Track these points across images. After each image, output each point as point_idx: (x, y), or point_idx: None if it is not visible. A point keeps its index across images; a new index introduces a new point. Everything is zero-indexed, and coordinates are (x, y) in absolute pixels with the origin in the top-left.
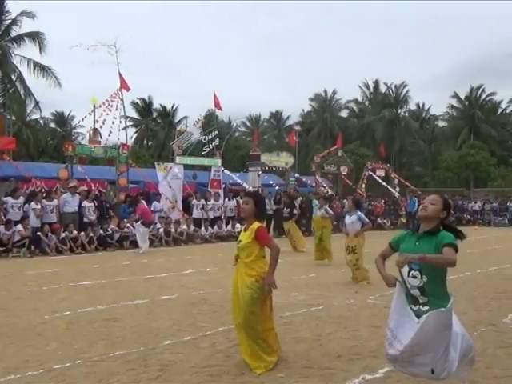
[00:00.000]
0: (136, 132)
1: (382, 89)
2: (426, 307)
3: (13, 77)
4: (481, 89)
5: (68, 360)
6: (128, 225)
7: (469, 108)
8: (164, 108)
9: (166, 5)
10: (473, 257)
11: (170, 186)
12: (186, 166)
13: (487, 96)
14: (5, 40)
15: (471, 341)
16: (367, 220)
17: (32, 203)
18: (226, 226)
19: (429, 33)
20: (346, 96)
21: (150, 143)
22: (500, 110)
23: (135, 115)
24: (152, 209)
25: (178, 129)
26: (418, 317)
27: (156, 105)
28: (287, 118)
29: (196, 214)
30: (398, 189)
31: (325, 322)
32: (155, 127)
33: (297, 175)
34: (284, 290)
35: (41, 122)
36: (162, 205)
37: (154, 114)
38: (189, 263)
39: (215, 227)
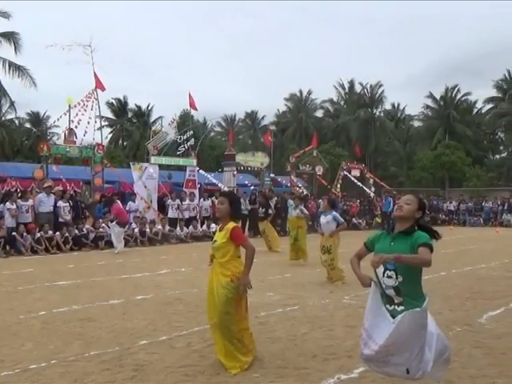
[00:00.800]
0: (111, 132)
1: (357, 89)
2: (402, 307)
3: None
4: (456, 89)
5: (43, 360)
6: (103, 225)
7: (444, 108)
8: (139, 108)
9: (141, 5)
10: (448, 257)
11: (145, 186)
12: (161, 166)
13: (462, 96)
14: None
15: (446, 341)
16: (342, 220)
17: (7, 203)
18: (201, 226)
19: (404, 33)
20: (321, 96)
21: (125, 143)
22: (475, 110)
23: (110, 115)
24: (127, 209)
25: (153, 129)
26: (393, 317)
27: (131, 105)
28: (262, 117)
29: (171, 213)
30: (373, 189)
31: (300, 322)
32: (130, 127)
33: (272, 175)
34: (259, 289)
35: (16, 121)
36: (137, 205)
37: (129, 114)
38: (164, 263)
39: (190, 227)
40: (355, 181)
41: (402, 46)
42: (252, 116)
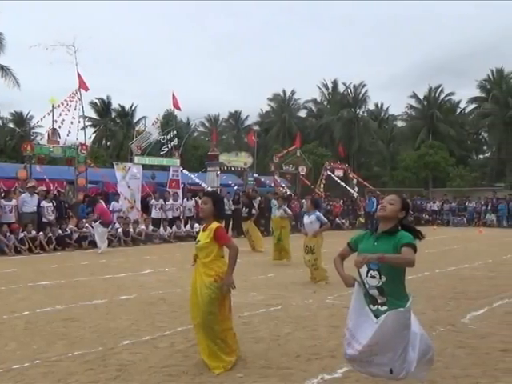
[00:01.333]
0: (95, 132)
1: (341, 89)
2: (385, 307)
3: None
4: (439, 89)
5: (26, 360)
6: (87, 225)
7: (427, 108)
8: (123, 108)
9: (125, 5)
10: (431, 257)
11: (129, 186)
12: (145, 166)
13: (446, 96)
14: None
15: (430, 341)
16: (326, 220)
17: None
18: (185, 226)
19: (387, 33)
20: (304, 96)
21: (108, 143)
22: (459, 110)
23: (94, 115)
24: (111, 209)
25: (136, 129)
26: (377, 317)
27: (115, 105)
28: (246, 118)
29: (155, 213)
30: (356, 189)
31: (283, 322)
32: (114, 127)
33: (255, 175)
34: (243, 289)
35: None
36: (121, 205)
37: (113, 114)
38: (147, 263)
39: (174, 227)
40: (338, 181)
41: (385, 46)
42: (235, 116)
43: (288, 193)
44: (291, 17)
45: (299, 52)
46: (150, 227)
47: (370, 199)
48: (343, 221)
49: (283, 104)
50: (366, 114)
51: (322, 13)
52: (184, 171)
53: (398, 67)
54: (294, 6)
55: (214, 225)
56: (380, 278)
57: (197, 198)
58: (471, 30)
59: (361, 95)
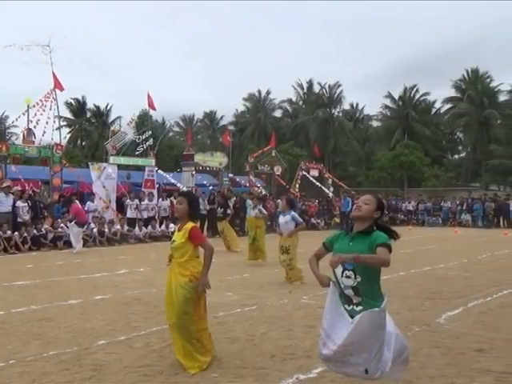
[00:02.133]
0: (70, 132)
1: (316, 89)
2: (360, 307)
3: None
4: (414, 89)
5: (1, 360)
6: (62, 225)
7: (403, 108)
8: (98, 108)
9: (99, 5)
10: (407, 257)
11: (104, 186)
12: (120, 166)
13: (421, 96)
14: None
15: (405, 341)
16: (301, 220)
17: None
18: (160, 226)
19: (362, 33)
20: (279, 96)
21: (83, 143)
22: (434, 110)
23: (69, 115)
24: (86, 209)
25: (111, 129)
26: (352, 317)
27: (90, 105)
28: (221, 117)
29: (130, 213)
30: (331, 189)
31: (258, 322)
32: (89, 127)
33: (231, 175)
34: (218, 289)
35: None
36: (96, 205)
37: (88, 114)
38: (122, 263)
39: (149, 227)
40: (314, 181)
41: (360, 46)
42: (211, 116)
43: (263, 193)
44: (266, 17)
45: (274, 52)
46: (125, 227)
47: (345, 199)
48: (318, 221)
49: (258, 104)
50: (341, 114)
51: (297, 13)
52: (159, 171)
53: (373, 67)
54: (269, 6)
55: (189, 225)
56: (355, 278)
57: (172, 198)
58: (446, 30)
59: (336, 95)
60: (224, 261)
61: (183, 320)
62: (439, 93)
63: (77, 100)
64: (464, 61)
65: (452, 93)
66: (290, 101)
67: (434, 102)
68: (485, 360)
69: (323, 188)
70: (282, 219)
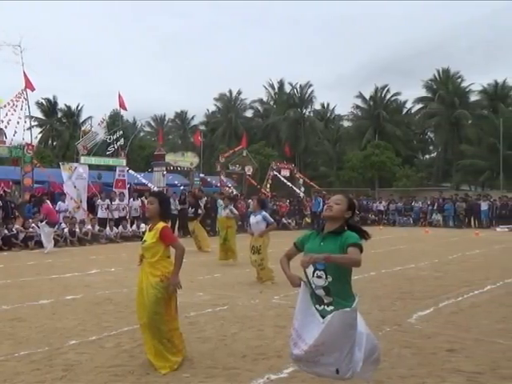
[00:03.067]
0: (41, 132)
1: (287, 89)
2: (331, 307)
3: None
4: (385, 89)
5: None
6: (33, 225)
7: (374, 108)
8: (69, 108)
9: (70, 4)
10: (377, 257)
11: (75, 186)
12: (91, 166)
13: (392, 96)
14: None
15: (376, 341)
16: (272, 220)
17: None
18: (131, 226)
19: (332, 33)
20: (250, 96)
21: (54, 143)
22: (405, 110)
23: (40, 115)
24: (57, 209)
25: (82, 129)
26: (323, 317)
27: (61, 105)
28: (192, 117)
29: (101, 213)
30: (302, 189)
31: (230, 322)
32: (60, 127)
33: (202, 175)
34: (189, 289)
35: None
36: (67, 205)
37: (59, 114)
38: (94, 263)
39: (120, 227)
40: (285, 181)
41: (330, 46)
42: (182, 116)
43: (234, 193)
44: (236, 17)
45: (245, 52)
46: (96, 227)
47: (316, 199)
48: (289, 221)
49: (229, 104)
50: (312, 114)
51: (267, 13)
52: (130, 171)
53: (344, 67)
54: (238, 6)
55: (160, 225)
56: (326, 278)
57: (143, 198)
58: (416, 30)
59: (307, 95)
60: (195, 261)
61: (154, 320)
62: (410, 93)
63: (48, 100)
64: (435, 61)
65: (423, 93)
66: (261, 101)
67: (405, 102)
68: (456, 360)
69: (294, 188)
70: (253, 219)
